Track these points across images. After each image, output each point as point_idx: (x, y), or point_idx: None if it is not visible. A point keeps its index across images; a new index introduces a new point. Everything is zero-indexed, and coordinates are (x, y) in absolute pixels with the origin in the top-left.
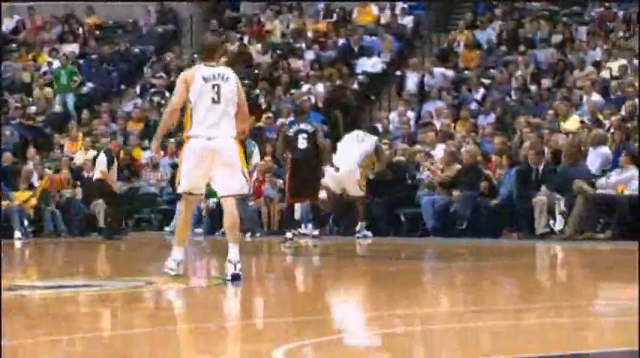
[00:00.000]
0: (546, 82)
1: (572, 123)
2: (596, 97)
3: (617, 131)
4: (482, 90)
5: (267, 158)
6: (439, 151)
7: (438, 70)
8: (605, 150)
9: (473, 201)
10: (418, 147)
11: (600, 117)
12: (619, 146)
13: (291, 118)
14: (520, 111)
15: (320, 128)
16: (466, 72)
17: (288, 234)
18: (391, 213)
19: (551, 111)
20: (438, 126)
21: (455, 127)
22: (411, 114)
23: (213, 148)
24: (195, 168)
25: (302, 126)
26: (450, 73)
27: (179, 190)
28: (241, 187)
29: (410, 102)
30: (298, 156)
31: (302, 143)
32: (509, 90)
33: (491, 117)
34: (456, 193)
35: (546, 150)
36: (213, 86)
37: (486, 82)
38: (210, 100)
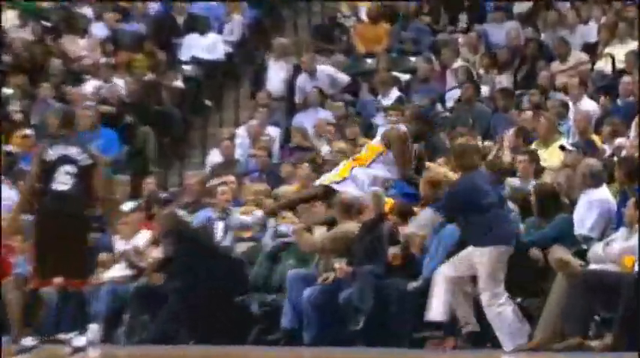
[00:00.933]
0: (504, 79)
1: (551, 151)
2: (588, 105)
3: (624, 164)
4: (395, 92)
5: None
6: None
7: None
8: (604, 195)
9: (375, 283)
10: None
11: (596, 138)
12: (626, 189)
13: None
14: (458, 127)
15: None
16: (368, 60)
17: (27, 341)
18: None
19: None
20: (322, 152)
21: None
22: (273, 131)
23: None
24: None
25: (68, 149)
26: (340, 58)
27: None
28: None
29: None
30: (49, 202)
31: (62, 180)
32: (442, 91)
33: None
34: (342, 267)
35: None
36: None
37: (403, 77)
38: None
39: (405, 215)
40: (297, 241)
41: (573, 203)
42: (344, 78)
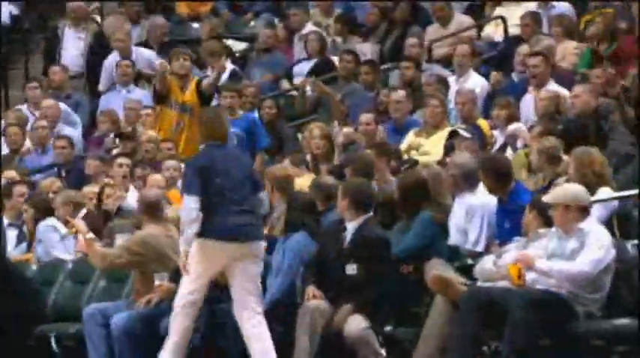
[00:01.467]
0: (367, 49)
1: (435, 141)
2: (475, 81)
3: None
4: (227, 66)
5: None
6: None
7: None
8: (484, 198)
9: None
10: None
11: (483, 123)
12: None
13: None
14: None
15: None
16: (194, 24)
17: None
18: None
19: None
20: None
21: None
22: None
23: None
24: None
25: None
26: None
27: None
28: None
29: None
30: None
31: None
32: (289, 64)
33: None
34: (162, 285)
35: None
36: None
37: (238, 46)
38: None
39: None
40: (88, 256)
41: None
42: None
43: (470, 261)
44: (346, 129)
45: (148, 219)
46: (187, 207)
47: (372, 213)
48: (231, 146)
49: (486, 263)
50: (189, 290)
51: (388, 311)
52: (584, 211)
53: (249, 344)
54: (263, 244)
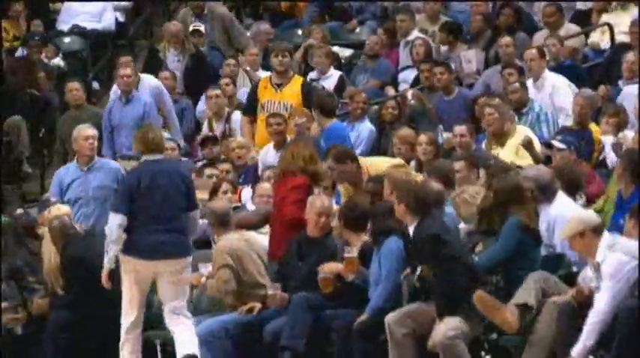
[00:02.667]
0: (472, 56)
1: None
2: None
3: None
4: (333, 72)
5: None
6: None
7: None
8: (566, 207)
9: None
10: None
11: (596, 129)
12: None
13: None
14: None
15: None
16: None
17: None
18: None
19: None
20: None
21: None
22: None
23: None
24: None
25: None
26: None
27: None
28: None
29: None
30: None
31: None
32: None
33: None
34: (276, 294)
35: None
36: None
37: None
38: None
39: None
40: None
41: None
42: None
43: (575, 269)
44: (447, 135)
45: (221, 230)
46: (110, 226)
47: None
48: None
49: (588, 271)
50: (126, 312)
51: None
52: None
53: (176, 344)
54: (185, 260)
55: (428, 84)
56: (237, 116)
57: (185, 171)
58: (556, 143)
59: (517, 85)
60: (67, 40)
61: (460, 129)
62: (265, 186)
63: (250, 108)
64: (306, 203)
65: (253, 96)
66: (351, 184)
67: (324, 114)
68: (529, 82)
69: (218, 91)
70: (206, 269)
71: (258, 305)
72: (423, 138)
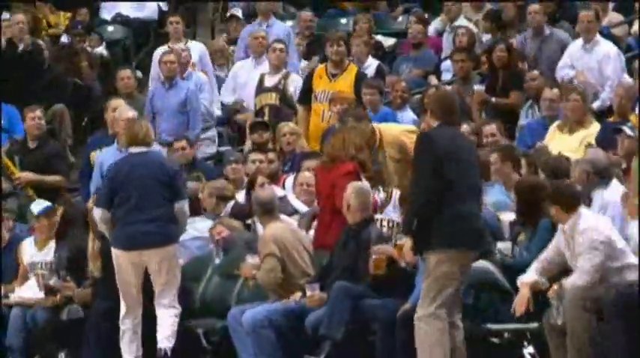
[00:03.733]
0: None
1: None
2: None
3: None
4: (372, 62)
5: None
6: None
7: None
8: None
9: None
10: None
11: (635, 120)
12: None
13: None
14: None
15: None
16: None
17: None
18: None
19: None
20: None
21: None
22: None
23: None
24: None
25: None
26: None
27: None
28: None
29: None
30: None
31: None
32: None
33: None
34: (315, 295)
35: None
36: None
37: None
38: None
39: None
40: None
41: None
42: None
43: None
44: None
45: (266, 219)
46: (96, 221)
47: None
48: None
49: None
50: (122, 303)
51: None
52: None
53: (159, 328)
54: (169, 249)
55: (462, 74)
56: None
57: (169, 162)
58: (626, 129)
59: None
60: (110, 28)
61: (490, 128)
62: (306, 175)
63: (305, 98)
64: None
65: (308, 84)
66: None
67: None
68: (578, 42)
69: None
70: (253, 259)
71: (299, 295)
72: (466, 128)
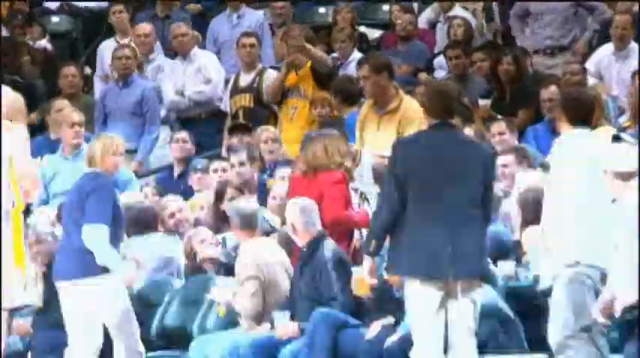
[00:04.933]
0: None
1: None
2: None
3: None
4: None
5: None
6: None
7: None
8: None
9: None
10: None
11: None
12: None
13: None
14: None
15: None
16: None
17: None
18: None
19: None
20: None
21: None
22: None
23: None
24: None
25: None
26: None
27: None
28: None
29: None
30: None
31: None
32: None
33: None
34: (286, 326)
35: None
36: None
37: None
38: None
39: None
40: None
41: None
42: None
43: None
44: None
45: (246, 234)
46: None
47: None
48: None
49: None
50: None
51: None
52: None
53: None
54: (84, 282)
55: (457, 72)
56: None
57: (86, 181)
58: (625, 136)
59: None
60: (54, 19)
61: (498, 126)
62: (281, 187)
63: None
64: (349, 201)
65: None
66: (381, 100)
67: (344, 101)
68: (608, 48)
69: None
70: (226, 282)
71: (267, 326)
72: (468, 132)
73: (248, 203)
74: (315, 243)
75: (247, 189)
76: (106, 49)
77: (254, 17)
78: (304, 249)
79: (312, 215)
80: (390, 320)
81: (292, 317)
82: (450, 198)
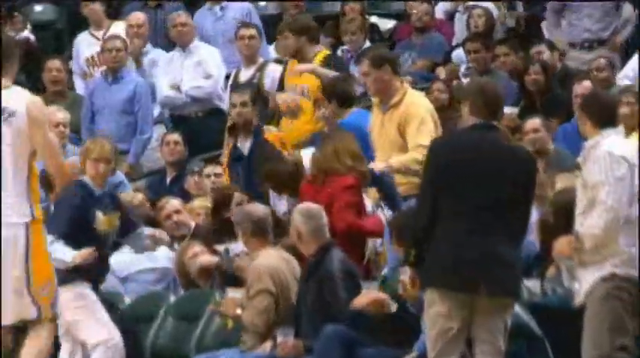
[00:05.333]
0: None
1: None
2: None
3: None
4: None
5: None
6: None
7: None
8: None
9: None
10: None
11: None
12: None
13: None
14: None
15: None
16: None
17: None
18: None
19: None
20: None
21: None
22: None
23: None
24: None
25: None
26: None
27: None
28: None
29: None
30: None
31: None
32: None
33: None
34: (286, 342)
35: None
36: None
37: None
38: None
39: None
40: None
41: None
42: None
43: None
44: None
45: (258, 243)
46: None
47: None
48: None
49: None
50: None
51: None
52: None
53: None
54: None
55: (477, 66)
56: None
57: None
58: None
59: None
60: (37, 8)
61: (533, 123)
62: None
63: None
64: (362, 207)
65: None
66: (385, 96)
67: (340, 103)
68: None
69: None
70: (236, 293)
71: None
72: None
73: (259, 207)
74: (322, 253)
75: (245, 131)
76: (82, 42)
77: (239, 8)
78: (311, 260)
79: (320, 222)
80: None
81: (297, 334)
82: (485, 206)
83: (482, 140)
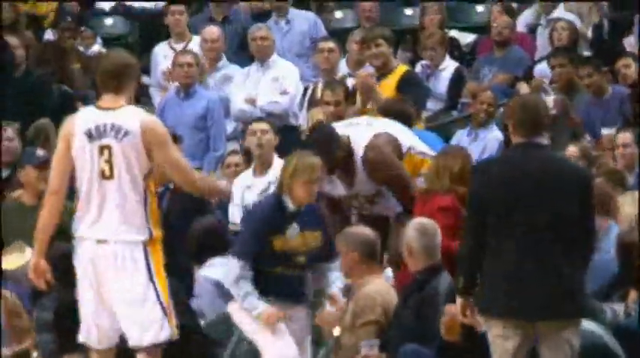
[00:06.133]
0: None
1: None
2: None
3: None
4: (449, 63)
5: None
6: None
7: None
8: None
9: None
10: None
11: None
12: None
13: None
14: None
15: None
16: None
17: None
18: None
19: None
20: None
21: None
22: None
23: (104, 260)
24: (87, 300)
25: None
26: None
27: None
28: (157, 333)
29: None
30: None
31: None
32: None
33: None
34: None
35: None
36: (102, 148)
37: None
38: (97, 173)
39: None
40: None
41: None
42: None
43: None
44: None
45: (366, 270)
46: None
47: None
48: None
49: None
50: None
51: None
52: None
53: None
54: None
55: (562, 82)
56: None
57: None
58: None
59: None
60: (108, 21)
61: (624, 137)
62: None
63: None
64: (458, 231)
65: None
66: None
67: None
68: None
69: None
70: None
71: None
72: (573, 150)
73: (365, 229)
74: (431, 273)
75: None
76: (159, 54)
77: (304, 20)
78: (417, 277)
79: (434, 241)
80: None
81: (383, 347)
82: (537, 226)
83: (526, 158)
